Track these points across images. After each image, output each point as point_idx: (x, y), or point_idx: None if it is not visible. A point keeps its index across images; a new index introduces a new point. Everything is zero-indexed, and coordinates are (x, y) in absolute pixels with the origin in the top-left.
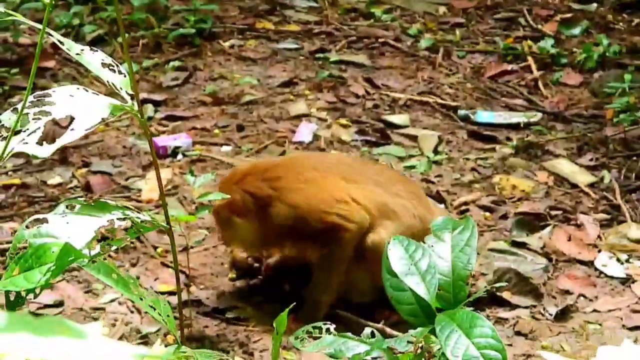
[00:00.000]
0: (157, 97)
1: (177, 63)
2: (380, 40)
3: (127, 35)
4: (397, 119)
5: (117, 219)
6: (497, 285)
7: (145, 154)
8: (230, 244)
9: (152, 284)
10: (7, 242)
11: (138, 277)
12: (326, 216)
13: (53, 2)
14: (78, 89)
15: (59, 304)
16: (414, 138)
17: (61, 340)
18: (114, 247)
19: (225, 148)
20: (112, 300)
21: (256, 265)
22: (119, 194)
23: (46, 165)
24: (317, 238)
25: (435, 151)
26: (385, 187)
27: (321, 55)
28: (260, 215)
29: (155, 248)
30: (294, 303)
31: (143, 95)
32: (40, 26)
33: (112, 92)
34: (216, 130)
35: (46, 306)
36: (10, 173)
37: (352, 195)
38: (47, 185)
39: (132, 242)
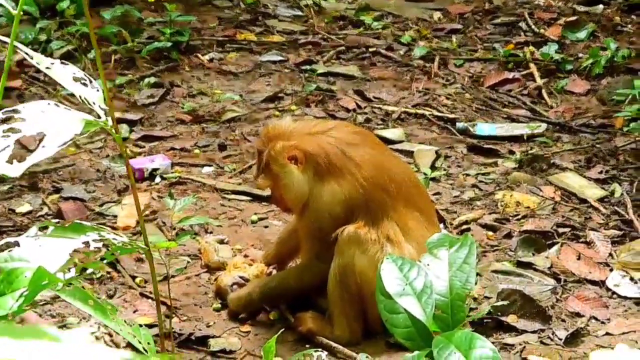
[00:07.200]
0: (132, 116)
1: (152, 79)
2: (371, 49)
3: (99, 50)
4: (391, 133)
5: (93, 240)
6: (499, 303)
7: (121, 177)
8: (264, 187)
9: (131, 317)
10: None
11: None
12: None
13: (21, 13)
14: (49, 104)
15: None
16: (409, 154)
17: (47, 344)
18: (89, 271)
19: (206, 169)
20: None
21: None
22: (93, 221)
23: (14, 192)
24: (326, 244)
25: (433, 167)
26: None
27: (308, 67)
28: (315, 176)
29: (133, 278)
30: (282, 329)
31: (117, 114)
32: (5, 39)
33: (83, 110)
34: (196, 151)
35: None
36: None
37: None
38: (15, 213)
39: (108, 272)
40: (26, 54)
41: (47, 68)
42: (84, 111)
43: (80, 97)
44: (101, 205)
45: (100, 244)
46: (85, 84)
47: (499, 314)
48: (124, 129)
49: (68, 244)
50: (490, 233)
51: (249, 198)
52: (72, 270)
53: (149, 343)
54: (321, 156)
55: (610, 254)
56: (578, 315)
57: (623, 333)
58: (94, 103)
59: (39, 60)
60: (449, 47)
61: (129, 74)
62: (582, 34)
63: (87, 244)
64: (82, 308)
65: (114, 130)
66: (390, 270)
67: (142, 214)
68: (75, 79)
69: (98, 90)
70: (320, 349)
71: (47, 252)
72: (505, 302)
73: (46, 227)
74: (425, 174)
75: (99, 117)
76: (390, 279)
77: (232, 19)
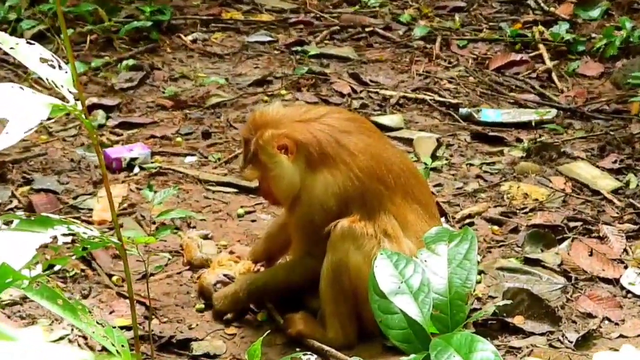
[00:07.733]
0: (109, 101)
1: (131, 61)
2: (368, 29)
3: (73, 30)
4: (388, 120)
5: (61, 235)
6: (504, 303)
7: (96, 167)
8: (252, 178)
9: (107, 318)
10: None
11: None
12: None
13: None
14: (13, 87)
15: None
16: (409, 142)
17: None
18: (57, 267)
19: (189, 159)
20: (62, 338)
21: None
22: (67, 215)
23: None
24: (317, 239)
25: (434, 156)
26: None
27: (299, 48)
28: (307, 167)
29: (110, 276)
30: (270, 332)
31: (93, 99)
32: None
33: (56, 95)
34: (178, 139)
35: None
36: None
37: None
38: None
39: (83, 270)
40: None
41: (11, 48)
42: (57, 96)
43: (47, 79)
44: (75, 198)
45: (69, 239)
46: (52, 66)
47: (505, 314)
48: (100, 115)
49: (34, 239)
50: (496, 227)
51: (235, 190)
52: (39, 266)
53: (122, 345)
54: (313, 145)
55: (625, 250)
56: (590, 316)
57: (638, 335)
58: (62, 86)
59: (2, 39)
60: (452, 26)
61: (105, 55)
62: (595, 13)
63: (55, 238)
64: (49, 308)
65: (83, 116)
66: (384, 267)
67: (113, 204)
68: (43, 60)
69: (66, 72)
70: (310, 353)
71: (12, 247)
72: (511, 302)
73: (11, 221)
74: (425, 163)
75: (68, 100)
76: (384, 277)
77: None
